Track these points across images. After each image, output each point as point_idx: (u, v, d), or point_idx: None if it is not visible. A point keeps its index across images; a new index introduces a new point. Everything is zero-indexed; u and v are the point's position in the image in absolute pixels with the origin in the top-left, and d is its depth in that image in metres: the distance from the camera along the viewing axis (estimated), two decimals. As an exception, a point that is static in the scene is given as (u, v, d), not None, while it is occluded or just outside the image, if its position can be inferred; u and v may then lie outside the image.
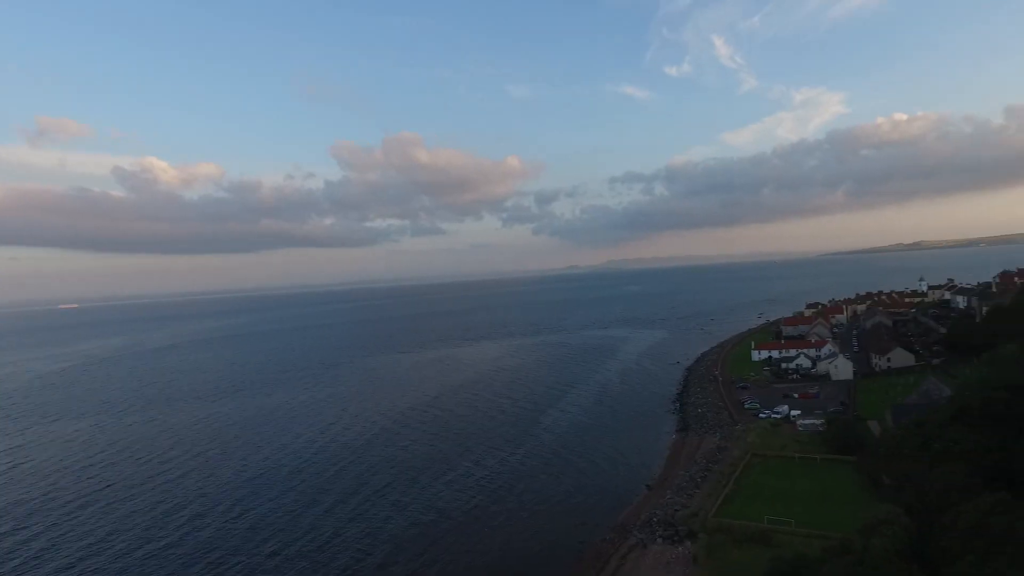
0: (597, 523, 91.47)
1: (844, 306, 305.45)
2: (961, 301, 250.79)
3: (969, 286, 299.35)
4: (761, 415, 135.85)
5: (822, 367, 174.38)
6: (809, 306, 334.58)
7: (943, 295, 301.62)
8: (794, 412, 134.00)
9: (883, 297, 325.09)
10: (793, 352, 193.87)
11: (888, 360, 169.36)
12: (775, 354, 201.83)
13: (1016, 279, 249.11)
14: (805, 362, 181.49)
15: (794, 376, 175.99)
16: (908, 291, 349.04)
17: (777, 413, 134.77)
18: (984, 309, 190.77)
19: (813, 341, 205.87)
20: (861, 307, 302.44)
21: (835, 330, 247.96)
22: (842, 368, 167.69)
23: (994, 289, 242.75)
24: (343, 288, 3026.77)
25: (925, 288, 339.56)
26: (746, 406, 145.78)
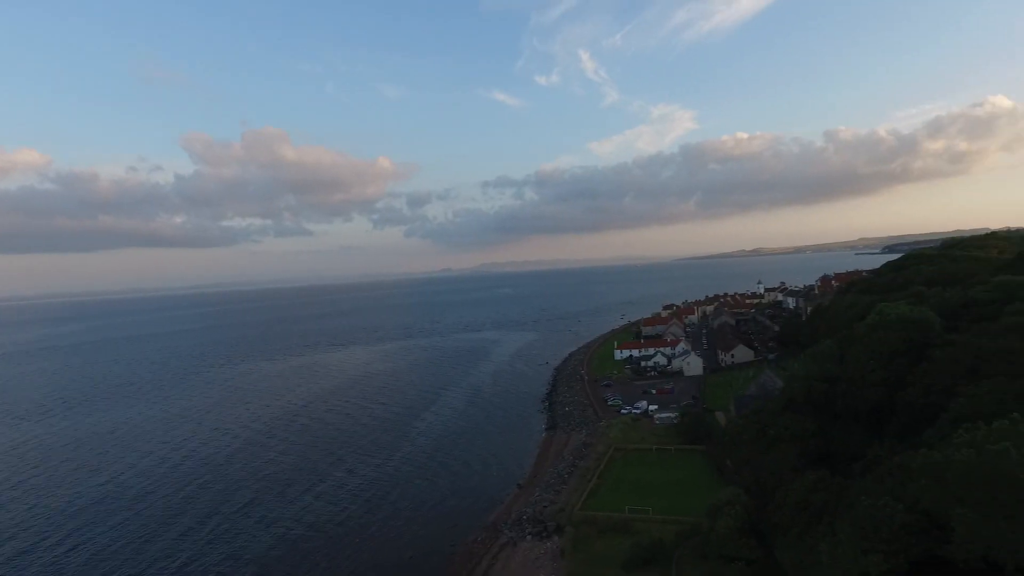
0: (469, 524, 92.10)
1: (695, 307, 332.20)
2: (791, 302, 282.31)
3: (797, 289, 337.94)
4: (623, 411, 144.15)
5: (676, 364, 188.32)
6: (665, 307, 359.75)
7: (777, 297, 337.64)
8: (652, 407, 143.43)
9: (728, 299, 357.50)
10: (651, 351, 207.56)
11: (732, 356, 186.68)
12: (635, 353, 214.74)
13: (833, 282, 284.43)
14: (662, 360, 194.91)
15: (652, 373, 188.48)
16: (749, 293, 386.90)
17: (637, 409, 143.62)
18: (808, 309, 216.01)
19: (669, 340, 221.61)
20: (710, 308, 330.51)
21: (688, 329, 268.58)
22: (693, 364, 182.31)
23: (816, 291, 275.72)
24: (197, 292, 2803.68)
25: (762, 290, 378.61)
26: (609, 403, 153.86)
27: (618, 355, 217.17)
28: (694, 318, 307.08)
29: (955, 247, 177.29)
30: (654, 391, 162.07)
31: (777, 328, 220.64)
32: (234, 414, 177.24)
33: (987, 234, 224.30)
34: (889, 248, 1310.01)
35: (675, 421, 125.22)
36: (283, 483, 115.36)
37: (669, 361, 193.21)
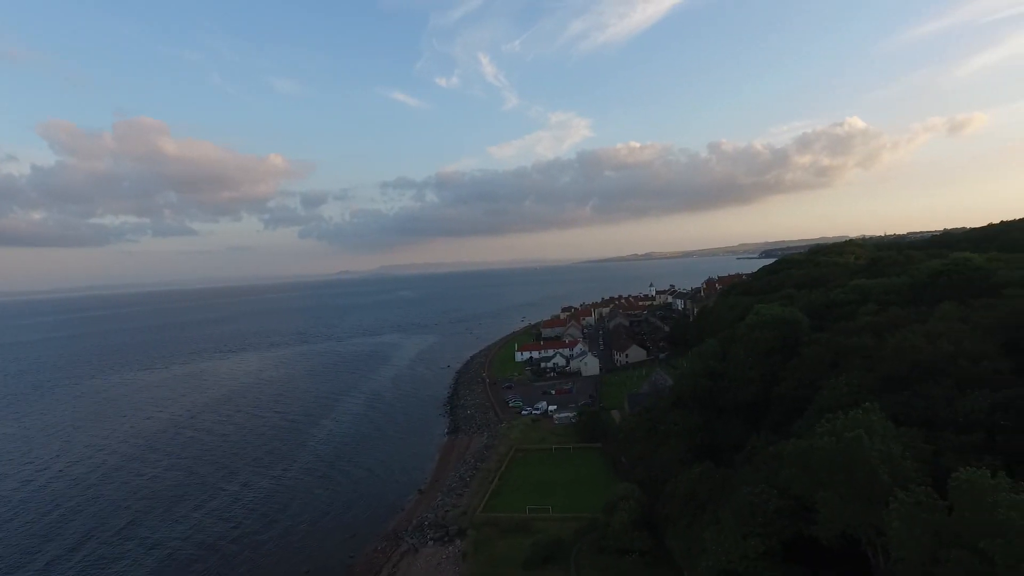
0: (369, 533, 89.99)
1: (592, 309, 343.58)
2: (680, 303, 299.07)
3: (685, 291, 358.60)
4: (524, 412, 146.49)
5: (575, 365, 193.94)
6: (564, 310, 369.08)
7: (667, 299, 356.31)
8: (551, 407, 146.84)
9: (623, 301, 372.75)
10: (551, 352, 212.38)
11: (627, 356, 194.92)
12: (535, 354, 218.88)
13: (717, 285, 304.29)
14: (561, 361, 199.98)
15: (552, 374, 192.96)
16: (642, 295, 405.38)
17: (537, 409, 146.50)
18: (695, 310, 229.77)
19: (567, 341, 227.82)
20: (606, 310, 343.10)
21: (585, 331, 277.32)
22: (591, 365, 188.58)
23: (702, 293, 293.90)
24: (62, 296, 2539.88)
25: (654, 293, 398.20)
26: (511, 404, 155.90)
27: (519, 357, 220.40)
28: (591, 320, 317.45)
29: (820, 253, 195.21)
30: (553, 392, 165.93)
31: (667, 329, 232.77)
32: (110, 428, 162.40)
33: (846, 241, 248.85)
34: (766, 253, 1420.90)
35: (573, 420, 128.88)
36: (170, 500, 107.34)
37: (568, 362, 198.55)
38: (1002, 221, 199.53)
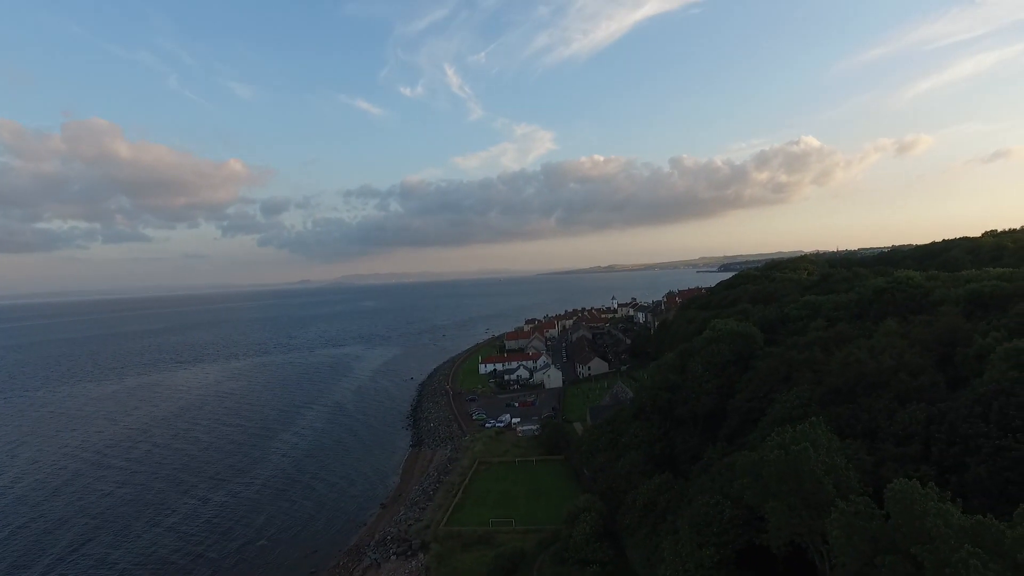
0: (331, 549, 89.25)
1: (556, 321, 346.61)
2: (641, 317, 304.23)
3: (647, 304, 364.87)
4: (487, 425, 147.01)
5: (538, 377, 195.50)
6: (528, 322, 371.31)
7: (629, 312, 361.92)
8: (515, 419, 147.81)
9: (585, 313, 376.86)
10: (514, 364, 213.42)
11: (589, 368, 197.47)
12: (499, 367, 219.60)
13: (677, 298, 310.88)
14: (524, 373, 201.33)
15: (515, 386, 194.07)
16: (604, 308, 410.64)
17: (500, 422, 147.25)
18: (656, 323, 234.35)
19: (531, 354, 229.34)
20: (569, 322, 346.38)
21: (549, 343, 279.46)
22: (554, 377, 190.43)
23: (663, 307, 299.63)
24: (3, 304, 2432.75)
25: (616, 306, 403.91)
26: (474, 417, 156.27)
27: (483, 369, 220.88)
28: (554, 332, 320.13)
29: (775, 269, 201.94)
30: (517, 404, 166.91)
31: (629, 341, 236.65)
32: (58, 443, 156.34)
33: (799, 257, 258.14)
34: (725, 267, 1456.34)
35: (536, 433, 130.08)
36: (125, 517, 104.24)
37: (531, 374, 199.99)
38: (944, 240, 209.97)
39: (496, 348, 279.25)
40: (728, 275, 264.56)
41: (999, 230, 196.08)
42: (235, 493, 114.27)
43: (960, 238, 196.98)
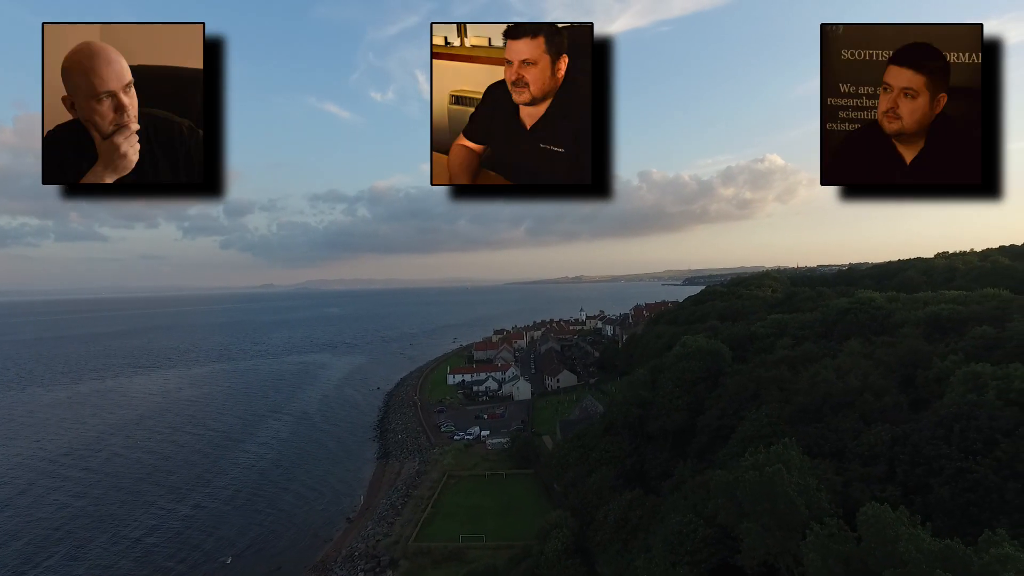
0: (295, 566, 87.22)
1: (524, 332, 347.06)
2: (609, 329, 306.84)
3: (614, 317, 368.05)
4: (456, 437, 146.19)
5: (507, 389, 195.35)
6: (496, 332, 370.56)
7: (597, 324, 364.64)
8: (484, 432, 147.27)
9: (554, 324, 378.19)
10: (483, 375, 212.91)
11: (558, 381, 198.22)
12: (467, 377, 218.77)
13: (644, 312, 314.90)
14: (493, 384, 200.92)
15: (484, 398, 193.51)
16: (572, 320, 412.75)
17: (469, 434, 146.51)
18: (624, 337, 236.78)
19: (500, 365, 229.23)
20: (537, 333, 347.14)
21: (517, 354, 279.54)
22: (523, 389, 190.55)
23: (631, 320, 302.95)
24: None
25: (584, 317, 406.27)
26: (443, 429, 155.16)
27: (451, 380, 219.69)
28: (523, 343, 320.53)
29: (741, 285, 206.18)
30: (486, 416, 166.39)
31: (597, 354, 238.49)
32: (7, 453, 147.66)
33: (763, 273, 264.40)
34: (689, 280, 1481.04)
35: (506, 446, 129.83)
36: (72, 534, 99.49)
37: (500, 386, 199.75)
38: (900, 260, 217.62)
39: (464, 358, 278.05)
40: (693, 288, 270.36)
41: (951, 252, 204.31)
42: (193, 506, 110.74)
43: (915, 258, 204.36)
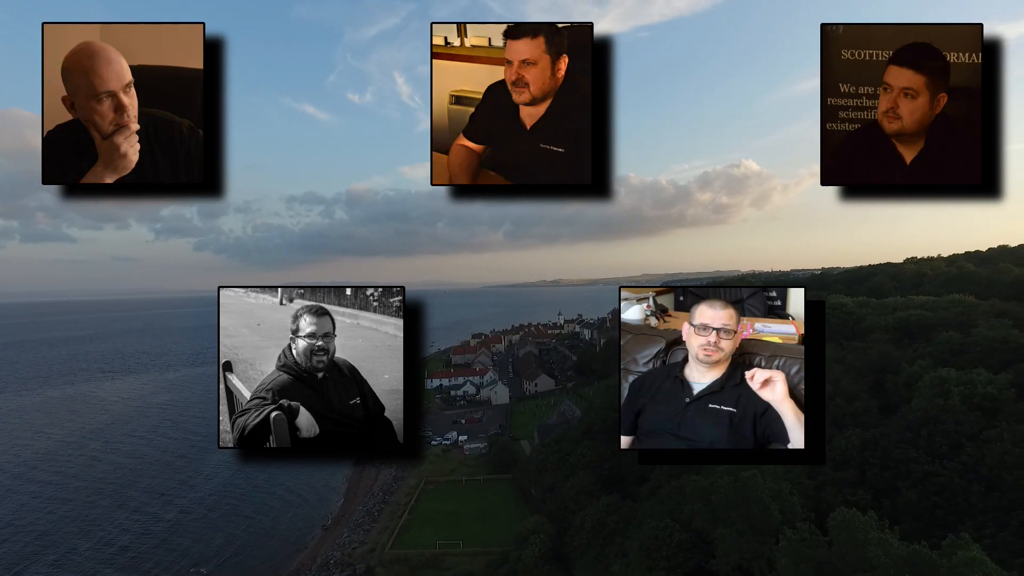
0: (269, 574, 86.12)
1: (503, 336, 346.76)
2: (587, 333, 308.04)
3: (592, 321, 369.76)
4: (433, 442, 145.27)
5: (485, 393, 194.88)
6: (474, 336, 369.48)
7: (575, 328, 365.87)
8: (462, 437, 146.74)
9: (532, 328, 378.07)
10: (461, 380, 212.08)
11: (536, 385, 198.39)
12: (445, 382, 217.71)
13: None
14: (471, 389, 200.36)
15: (462, 402, 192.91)
16: (551, 323, 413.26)
17: (447, 439, 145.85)
18: (602, 341, 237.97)
19: (478, 369, 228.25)
20: (515, 337, 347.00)
21: (495, 358, 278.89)
22: (501, 393, 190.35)
23: (608, 324, 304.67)
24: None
25: (562, 321, 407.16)
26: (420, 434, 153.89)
27: (429, 384, 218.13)
28: (501, 347, 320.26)
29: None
30: (463, 420, 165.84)
31: (575, 358, 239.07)
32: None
33: (739, 277, 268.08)
34: (666, 284, 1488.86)
35: (484, 451, 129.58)
36: (36, 546, 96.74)
37: (478, 390, 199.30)
38: (870, 264, 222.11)
39: (442, 362, 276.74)
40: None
41: (919, 257, 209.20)
42: (158, 516, 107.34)
43: (884, 263, 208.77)
